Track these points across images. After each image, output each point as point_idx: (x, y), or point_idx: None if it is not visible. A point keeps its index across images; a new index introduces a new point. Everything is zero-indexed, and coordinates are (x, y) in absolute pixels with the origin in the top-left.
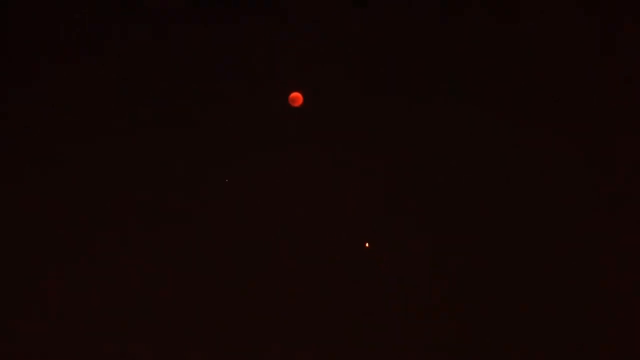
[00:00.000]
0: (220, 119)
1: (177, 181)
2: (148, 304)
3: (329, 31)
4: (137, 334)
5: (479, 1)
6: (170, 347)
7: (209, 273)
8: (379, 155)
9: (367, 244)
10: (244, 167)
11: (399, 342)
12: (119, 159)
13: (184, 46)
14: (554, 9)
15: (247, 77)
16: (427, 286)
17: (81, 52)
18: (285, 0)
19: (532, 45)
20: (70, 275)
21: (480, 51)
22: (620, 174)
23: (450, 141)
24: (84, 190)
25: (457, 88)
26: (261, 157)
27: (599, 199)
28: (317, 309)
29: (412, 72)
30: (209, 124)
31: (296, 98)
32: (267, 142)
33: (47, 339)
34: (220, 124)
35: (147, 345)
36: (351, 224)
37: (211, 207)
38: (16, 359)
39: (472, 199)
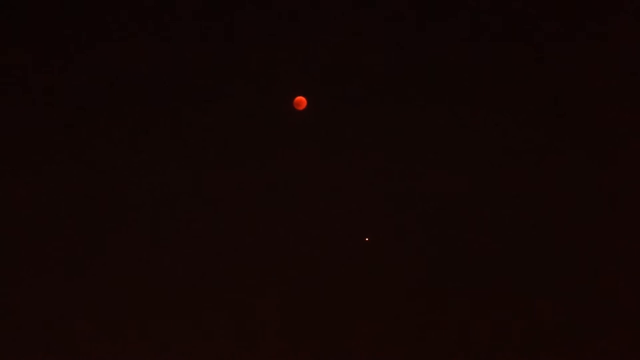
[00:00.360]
0: (221, 120)
1: (177, 181)
2: (148, 304)
3: (330, 32)
4: (137, 333)
5: (480, 1)
6: (170, 347)
7: (209, 273)
8: (380, 156)
9: (367, 239)
10: (245, 168)
11: (399, 341)
12: (118, 159)
13: (185, 46)
14: (554, 9)
15: (248, 78)
16: (428, 286)
17: (81, 52)
18: (286, 1)
19: (532, 45)
20: (69, 276)
21: (481, 51)
22: (620, 173)
23: (450, 141)
24: (84, 190)
25: (457, 88)
26: (261, 157)
27: (599, 199)
28: (317, 309)
29: (412, 72)
30: (209, 125)
31: (300, 102)
32: (267, 142)
33: (47, 339)
34: (221, 124)
35: (147, 345)
36: (351, 224)
37: (212, 207)
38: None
39: (473, 199)
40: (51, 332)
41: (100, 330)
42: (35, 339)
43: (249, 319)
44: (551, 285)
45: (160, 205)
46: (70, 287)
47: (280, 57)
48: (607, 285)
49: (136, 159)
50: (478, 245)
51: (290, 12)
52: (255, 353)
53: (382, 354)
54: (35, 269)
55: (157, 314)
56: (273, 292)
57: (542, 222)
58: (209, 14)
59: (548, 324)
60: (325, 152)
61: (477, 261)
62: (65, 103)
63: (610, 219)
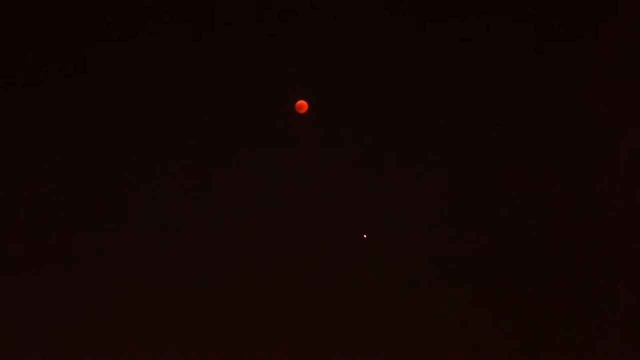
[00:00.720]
0: (221, 120)
1: (177, 181)
2: (148, 304)
3: (329, 32)
4: (137, 333)
5: (480, 1)
6: (170, 347)
7: (209, 273)
8: (379, 155)
9: (365, 236)
10: (245, 168)
11: (399, 341)
12: (118, 159)
13: (185, 46)
14: (554, 9)
15: (248, 78)
16: (428, 285)
17: (82, 52)
18: (286, 1)
19: (532, 45)
20: (69, 276)
21: (481, 51)
22: (620, 173)
23: (450, 141)
24: (84, 190)
25: (457, 88)
26: (261, 157)
27: (599, 199)
28: (317, 309)
29: (412, 72)
30: (209, 125)
31: (302, 106)
32: (267, 142)
33: (47, 339)
34: (221, 124)
35: (147, 345)
36: (351, 224)
37: (212, 207)
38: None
39: (473, 198)
40: (51, 332)
41: (100, 330)
42: (35, 339)
43: (249, 318)
44: (551, 285)
45: (160, 205)
46: (70, 287)
47: (280, 57)
48: (607, 285)
49: (136, 159)
50: (478, 245)
51: (291, 12)
52: (255, 353)
53: (382, 354)
54: (35, 269)
55: (157, 314)
56: (273, 292)
57: (542, 222)
58: (209, 14)
59: (548, 324)
60: (325, 152)
61: (477, 261)
62: (66, 103)
63: (610, 219)
